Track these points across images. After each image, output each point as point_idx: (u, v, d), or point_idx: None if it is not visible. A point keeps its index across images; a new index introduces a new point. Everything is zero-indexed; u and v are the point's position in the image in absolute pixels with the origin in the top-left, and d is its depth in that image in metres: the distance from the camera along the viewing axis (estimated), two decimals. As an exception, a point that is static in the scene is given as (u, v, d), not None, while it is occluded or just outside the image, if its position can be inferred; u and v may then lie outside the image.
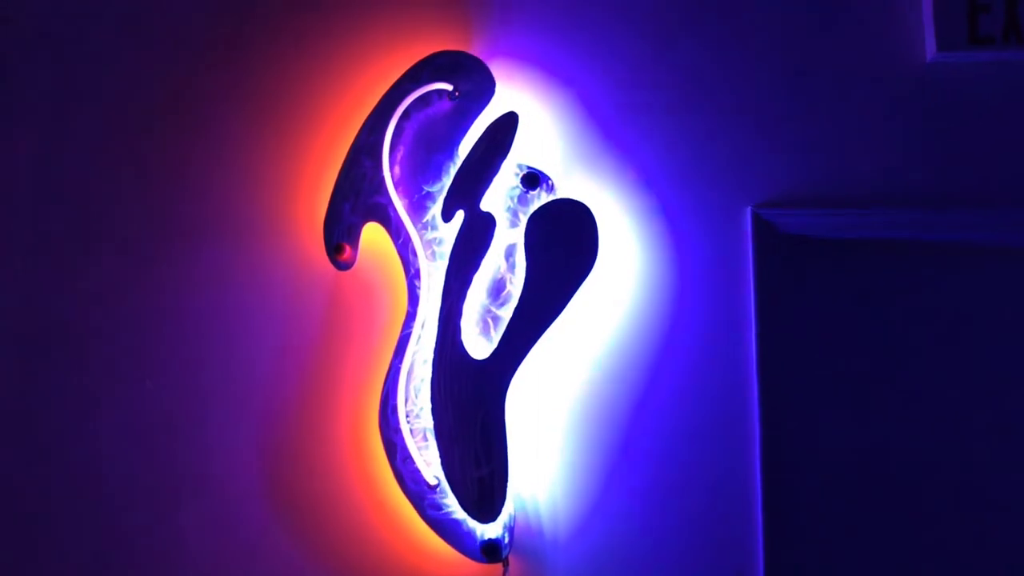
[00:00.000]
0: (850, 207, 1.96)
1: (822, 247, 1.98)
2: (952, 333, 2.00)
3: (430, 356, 1.89)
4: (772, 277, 1.93)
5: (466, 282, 1.90)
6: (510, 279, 1.92)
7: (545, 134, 2.02)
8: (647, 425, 1.92)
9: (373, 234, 1.96)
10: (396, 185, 1.95)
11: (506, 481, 1.83)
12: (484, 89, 1.97)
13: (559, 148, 2.01)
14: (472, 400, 1.86)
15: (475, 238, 1.91)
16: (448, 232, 1.93)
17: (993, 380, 1.98)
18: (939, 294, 2.01)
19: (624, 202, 1.99)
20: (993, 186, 1.95)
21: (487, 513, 1.83)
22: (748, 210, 1.96)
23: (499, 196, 1.94)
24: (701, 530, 1.89)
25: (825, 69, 2.01)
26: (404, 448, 1.88)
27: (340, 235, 1.95)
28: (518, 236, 1.92)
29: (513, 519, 1.86)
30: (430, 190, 1.95)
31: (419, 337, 1.91)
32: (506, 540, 1.84)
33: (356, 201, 1.96)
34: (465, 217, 1.91)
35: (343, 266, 1.95)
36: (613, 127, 2.02)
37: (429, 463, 1.88)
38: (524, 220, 1.93)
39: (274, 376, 1.98)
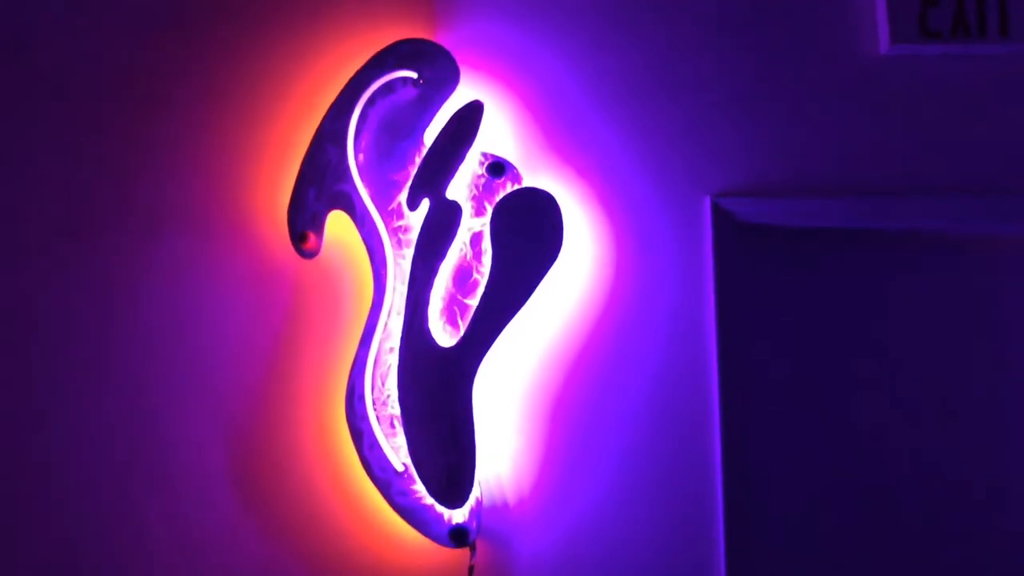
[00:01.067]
0: (806, 196, 2.01)
1: (780, 236, 2.03)
2: (905, 322, 2.06)
3: (397, 344, 1.90)
4: (731, 266, 1.97)
5: (432, 270, 1.90)
6: (476, 267, 1.93)
7: (509, 122, 2.03)
8: (610, 410, 1.96)
9: (336, 223, 1.95)
10: (361, 173, 1.95)
11: (473, 467, 1.85)
12: (448, 77, 1.97)
13: (522, 137, 2.03)
14: (439, 387, 1.87)
15: (441, 226, 1.91)
16: (414, 220, 1.93)
17: (944, 369, 2.05)
18: (893, 283, 2.07)
19: (586, 191, 2.01)
20: (943, 176, 2.01)
21: (454, 498, 1.84)
22: (707, 199, 2.00)
23: (464, 184, 1.95)
24: (664, 510, 1.93)
25: (783, 60, 2.06)
26: (371, 435, 1.88)
27: (304, 223, 1.94)
28: (483, 224, 1.94)
29: (480, 504, 1.88)
30: (395, 178, 1.95)
31: (385, 325, 1.91)
32: (474, 525, 1.86)
33: (320, 188, 1.95)
34: (431, 205, 1.92)
35: (308, 254, 1.94)
36: (575, 116, 2.04)
37: (396, 450, 1.89)
38: (489, 208, 1.94)
39: (237, 367, 1.97)
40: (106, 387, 1.96)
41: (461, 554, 1.89)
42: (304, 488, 1.94)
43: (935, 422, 2.04)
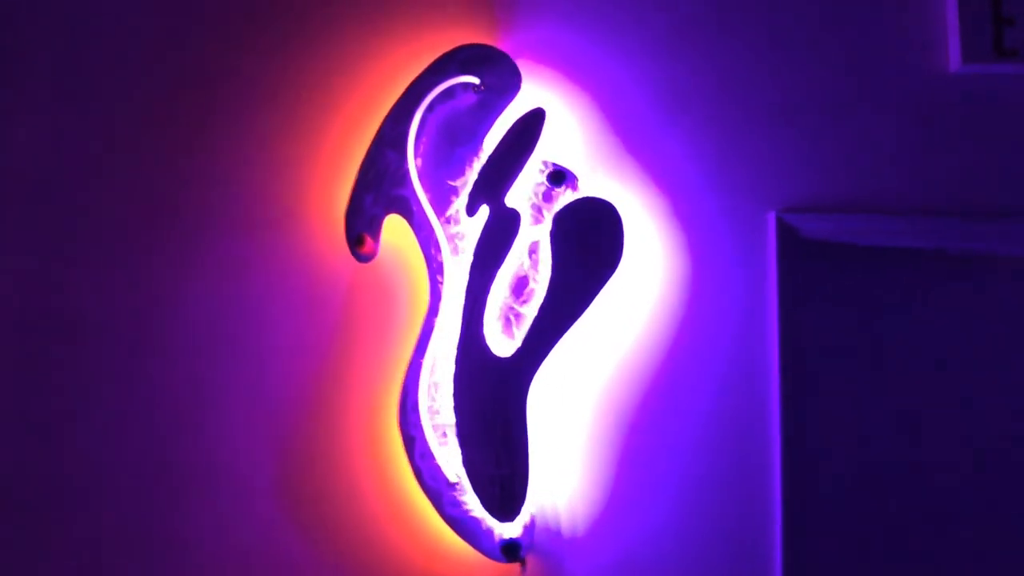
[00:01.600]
0: (872, 213, 1.96)
1: (844, 253, 1.98)
2: (969, 344, 2.01)
3: (452, 352, 1.86)
4: (795, 282, 1.93)
5: (490, 278, 1.87)
6: (533, 276, 1.90)
7: (570, 131, 2.00)
8: (668, 428, 1.91)
9: (392, 228, 1.93)
10: (420, 178, 1.93)
11: (527, 480, 1.81)
12: (509, 84, 1.95)
13: (583, 146, 2.00)
14: (494, 398, 1.84)
15: (499, 234, 1.88)
16: (471, 227, 1.90)
17: (1009, 391, 1.99)
18: (959, 305, 2.02)
19: (648, 203, 1.98)
20: (1016, 199, 1.96)
21: (507, 512, 1.80)
22: (772, 215, 1.96)
23: (523, 192, 1.92)
24: (721, 535, 1.88)
25: (850, 75, 2.01)
26: (423, 444, 1.85)
27: (361, 226, 1.91)
28: (542, 233, 1.91)
29: (533, 519, 1.84)
30: (453, 184, 1.93)
31: (441, 333, 1.88)
32: (526, 540, 1.82)
33: (379, 193, 1.93)
34: (490, 212, 1.89)
35: (364, 258, 1.92)
36: (638, 127, 2.01)
37: (448, 461, 1.85)
38: (548, 217, 1.91)
39: (287, 372, 1.94)
40: (152, 392, 1.94)
41: (511, 569, 1.85)
42: (351, 497, 1.90)
43: (997, 441, 1.98)
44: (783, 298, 1.92)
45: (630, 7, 2.04)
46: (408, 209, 1.93)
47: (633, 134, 2.01)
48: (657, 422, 1.92)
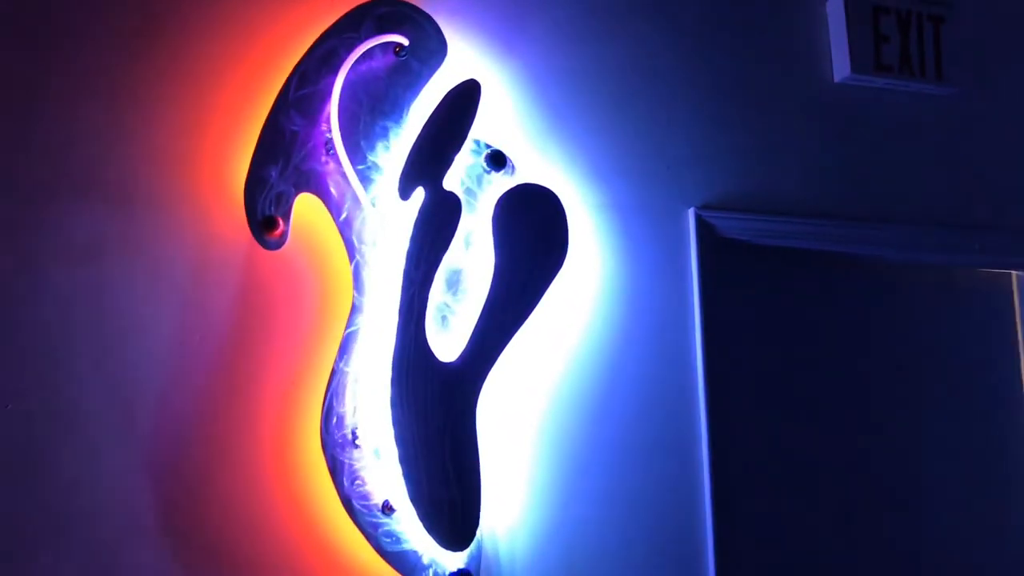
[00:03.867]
0: (774, 215, 1.99)
1: (755, 251, 1.99)
2: (856, 340, 2.11)
3: (387, 357, 1.58)
4: (713, 277, 1.90)
5: (430, 272, 1.62)
6: (467, 270, 1.68)
7: (495, 111, 1.80)
8: (598, 427, 1.77)
9: (301, 208, 1.61)
10: (335, 151, 1.62)
11: (479, 502, 1.58)
12: (435, 49, 1.70)
13: (510, 127, 1.80)
14: (440, 409, 1.59)
15: (439, 221, 1.63)
16: (403, 212, 1.63)
17: (889, 383, 2.12)
18: (849, 304, 2.12)
19: (573, 194, 1.83)
20: (893, 204, 2.10)
21: (458, 540, 1.56)
22: (692, 211, 1.91)
23: (453, 175, 1.69)
24: (653, 531, 1.79)
25: (753, 83, 2.03)
26: (352, 467, 1.55)
27: (268, 206, 1.57)
28: (477, 222, 1.69)
29: (480, 547, 1.61)
30: (377, 161, 1.65)
31: (368, 335, 1.59)
32: (474, 571, 1.60)
33: (286, 165, 1.60)
34: (427, 197, 1.63)
35: (273, 245, 1.57)
36: (564, 111, 1.86)
37: (382, 485, 1.57)
38: (479, 203, 1.70)
39: (170, 380, 1.53)
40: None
41: (449, 604, 1.61)
42: (262, 533, 1.55)
43: (890, 428, 2.10)
44: (704, 292, 1.88)
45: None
46: (323, 187, 1.61)
47: (558, 120, 1.85)
48: (588, 412, 1.77)
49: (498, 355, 1.64)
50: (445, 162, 1.65)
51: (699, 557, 1.81)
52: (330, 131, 1.62)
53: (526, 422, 1.74)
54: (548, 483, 1.73)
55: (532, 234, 1.69)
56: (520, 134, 1.81)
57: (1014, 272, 2.31)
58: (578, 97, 1.88)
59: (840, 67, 2.09)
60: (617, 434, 1.79)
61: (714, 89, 1.99)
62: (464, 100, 1.68)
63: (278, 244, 1.58)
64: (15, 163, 1.51)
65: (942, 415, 2.17)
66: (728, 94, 2.00)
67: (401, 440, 1.55)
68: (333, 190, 1.62)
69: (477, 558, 1.61)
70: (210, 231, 1.59)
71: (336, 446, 1.55)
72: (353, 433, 1.57)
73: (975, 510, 2.16)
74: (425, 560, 1.57)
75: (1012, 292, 2.32)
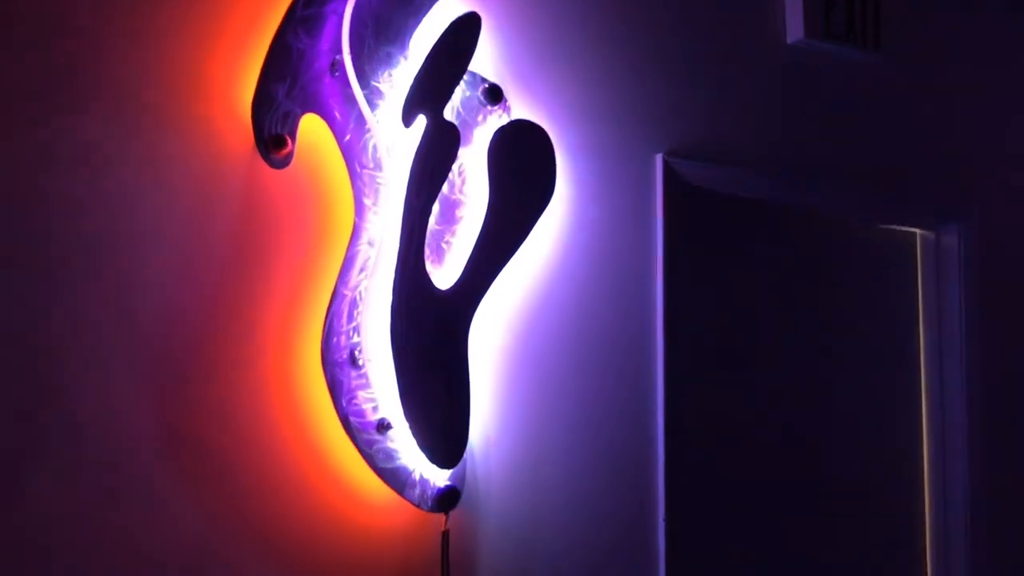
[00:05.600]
0: (729, 164, 2.12)
1: (713, 198, 2.12)
2: (790, 286, 2.28)
3: (387, 283, 1.62)
4: (675, 220, 2.01)
5: (430, 200, 1.66)
6: (462, 201, 1.72)
7: (486, 47, 1.83)
8: (564, 365, 1.88)
9: (306, 128, 1.61)
10: (342, 73, 1.62)
11: (468, 423, 1.66)
12: (439, -21, 1.72)
13: (496, 62, 1.84)
14: (436, 334, 1.64)
15: (440, 150, 1.67)
16: (400, 139, 1.66)
17: (812, 328, 2.31)
18: (788, 253, 2.29)
19: (552, 132, 1.89)
20: (828, 161, 2.28)
21: (450, 457, 1.64)
22: (660, 157, 2.01)
23: (450, 106, 1.72)
24: (612, 454, 1.92)
25: (718, 38, 2.15)
26: (351, 387, 1.59)
27: (275, 124, 1.56)
28: (471, 154, 1.73)
29: (465, 465, 1.69)
30: (377, 85, 1.66)
31: (368, 260, 1.62)
32: (460, 487, 1.68)
33: (293, 84, 1.59)
34: (428, 126, 1.66)
35: (279, 163, 1.58)
36: (546, 52, 1.91)
37: (379, 404, 1.62)
38: (477, 137, 1.74)
39: (173, 294, 1.52)
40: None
41: (433, 518, 1.69)
42: (258, 446, 1.57)
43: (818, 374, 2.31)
44: (667, 231, 2.00)
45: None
46: (328, 108, 1.62)
47: (538, 59, 1.90)
48: (554, 342, 1.87)
49: (489, 285, 1.70)
50: (447, 92, 1.68)
51: (651, 478, 1.95)
52: (338, 52, 1.62)
53: (497, 349, 1.82)
54: (517, 407, 1.82)
55: (524, 170, 1.76)
56: (505, 70, 1.85)
57: (918, 231, 2.55)
58: (560, 39, 1.93)
59: (793, 30, 2.22)
60: (581, 363, 1.90)
61: (684, 41, 2.09)
62: (466, 31, 1.71)
63: (284, 163, 1.58)
64: (21, 74, 1.44)
65: (852, 354, 2.38)
66: (695, 48, 2.11)
67: (399, 361, 1.61)
68: (337, 112, 1.62)
69: (462, 476, 1.69)
70: (215, 147, 1.56)
71: (336, 365, 1.59)
72: (352, 353, 1.61)
73: (872, 435, 2.40)
74: (415, 476, 1.64)
75: (916, 250, 2.56)
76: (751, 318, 2.23)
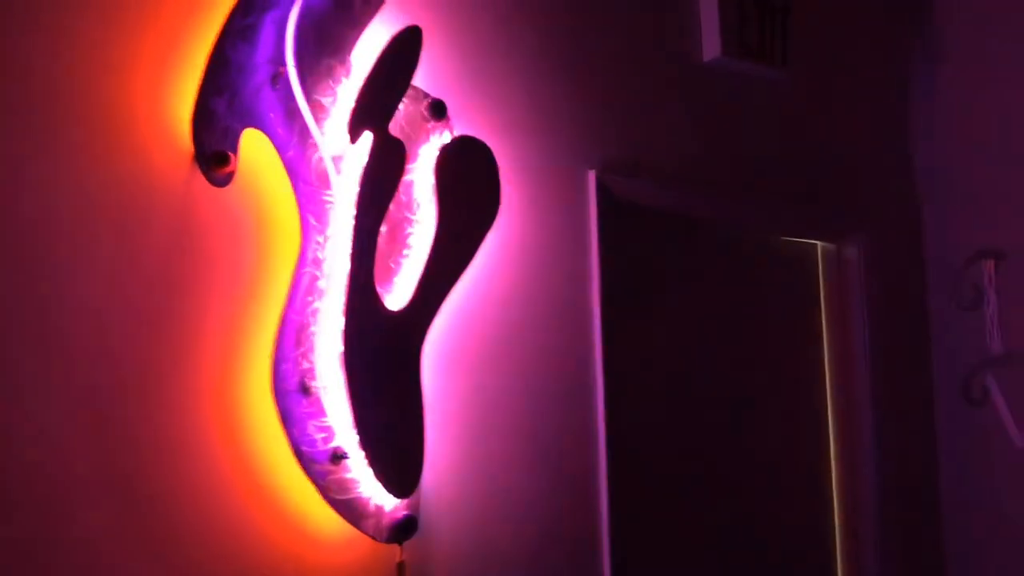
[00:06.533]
0: (654, 181, 2.15)
1: (642, 213, 2.13)
2: (708, 297, 2.33)
3: (335, 305, 1.54)
4: (608, 236, 2.02)
5: (379, 219, 1.60)
6: (409, 220, 1.67)
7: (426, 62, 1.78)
8: (506, 368, 1.84)
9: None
10: (282, 85, 1.54)
11: (423, 448, 1.60)
12: (377, -10, 1.67)
13: (434, 76, 1.80)
14: (387, 357, 1.58)
15: (387, 167, 1.61)
16: (346, 155, 1.59)
17: (730, 334, 2.36)
18: (708, 266, 2.33)
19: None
20: (740, 176, 2.34)
21: (405, 485, 1.57)
22: (592, 173, 2.01)
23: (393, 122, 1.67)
24: (555, 466, 1.90)
25: (640, 58, 2.17)
26: (303, 417, 1.51)
27: (215, 140, 1.47)
28: (417, 171, 1.68)
29: (419, 493, 1.63)
30: (321, 100, 1.58)
31: (315, 280, 1.54)
32: (415, 515, 1.61)
33: (232, 98, 1.50)
34: (374, 142, 1.60)
35: (221, 181, 1.49)
36: (482, 66, 1.88)
37: (331, 434, 1.54)
38: (420, 153, 1.69)
39: (105, 324, 1.40)
40: None
41: (386, 550, 1.62)
42: (199, 482, 1.46)
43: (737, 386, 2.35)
44: (601, 246, 2.00)
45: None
46: (270, 124, 1.53)
47: (475, 73, 1.87)
48: (494, 368, 1.83)
49: (441, 304, 1.66)
50: (392, 107, 1.63)
51: (593, 483, 1.95)
52: (280, 64, 1.53)
53: (433, 370, 1.76)
54: (456, 429, 1.77)
55: (471, 188, 1.72)
56: (441, 85, 1.81)
57: (819, 243, 2.65)
58: (491, 58, 1.91)
59: (710, 48, 2.28)
60: (520, 380, 1.87)
61: (610, 61, 2.11)
62: (408, 45, 1.66)
63: (226, 180, 1.49)
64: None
65: (763, 360, 2.45)
66: (621, 67, 2.13)
67: (352, 387, 1.53)
68: (279, 127, 1.54)
69: (416, 504, 1.63)
70: (145, 163, 1.45)
71: (285, 394, 1.50)
72: (302, 381, 1.52)
73: (784, 431, 2.48)
74: (371, 507, 1.57)
75: (817, 261, 2.66)
76: (677, 328, 2.26)
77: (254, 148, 1.53)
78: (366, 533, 1.57)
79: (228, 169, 1.47)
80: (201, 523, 1.47)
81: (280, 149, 1.54)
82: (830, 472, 2.55)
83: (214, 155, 1.46)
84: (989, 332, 2.60)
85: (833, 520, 2.54)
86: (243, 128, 1.51)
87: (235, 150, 1.49)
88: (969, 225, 2.70)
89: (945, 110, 2.76)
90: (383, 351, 1.58)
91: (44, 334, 1.36)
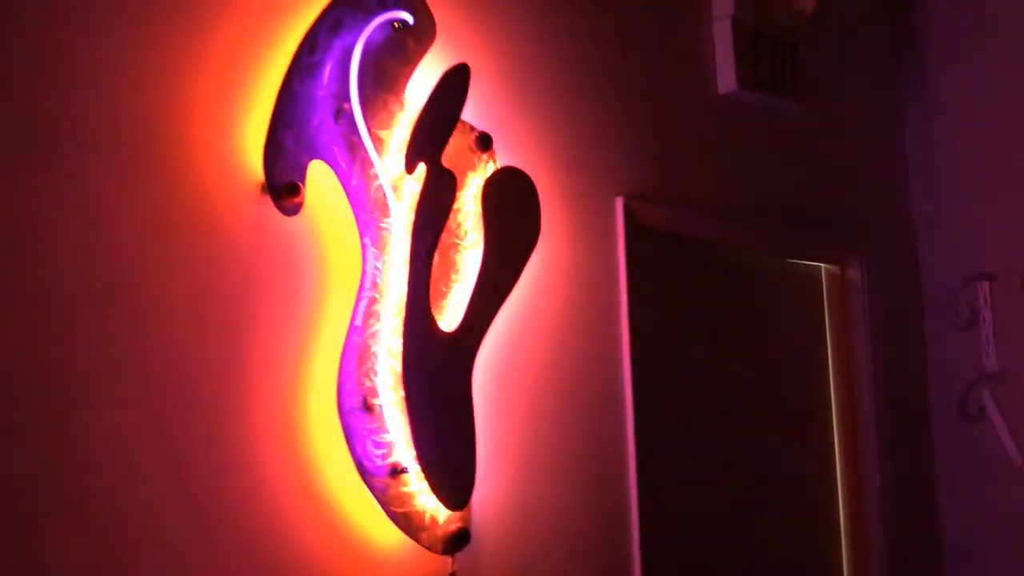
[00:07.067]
0: (676, 206, 2.26)
1: (664, 238, 2.24)
2: (728, 317, 2.44)
3: (393, 326, 1.63)
4: (635, 258, 2.13)
5: (434, 244, 1.69)
6: (458, 245, 1.76)
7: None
8: (541, 401, 1.94)
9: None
10: (349, 121, 1.63)
11: (475, 463, 1.69)
12: (428, 29, 1.76)
13: (479, 110, 1.89)
14: (442, 377, 1.67)
15: (440, 196, 1.70)
16: (402, 185, 1.68)
17: (746, 352, 2.48)
18: (728, 287, 2.45)
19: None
20: (759, 202, 2.45)
21: (460, 499, 1.66)
22: (620, 200, 2.12)
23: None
24: (589, 479, 2.00)
25: (660, 90, 2.29)
26: (364, 433, 1.59)
27: (288, 172, 1.55)
28: (462, 199, 1.78)
29: (471, 506, 1.72)
30: (378, 133, 1.67)
31: (375, 303, 1.63)
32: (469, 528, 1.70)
33: (300, 131, 1.59)
34: (428, 173, 1.69)
35: (291, 210, 1.57)
36: (516, 99, 1.98)
37: (391, 449, 1.62)
38: (467, 182, 1.78)
39: (179, 346, 1.47)
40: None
41: (437, 560, 1.70)
42: (263, 495, 1.53)
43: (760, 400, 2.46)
44: (630, 270, 2.11)
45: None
46: (334, 157, 1.62)
47: (508, 109, 1.97)
48: (535, 382, 1.93)
49: (489, 326, 1.75)
50: (444, 140, 1.73)
51: (625, 498, 2.06)
52: (344, 100, 1.63)
53: (481, 386, 1.85)
54: (503, 440, 1.86)
55: (514, 214, 1.82)
56: (482, 118, 1.91)
57: (823, 265, 2.78)
58: (528, 88, 2.01)
59: (725, 81, 2.40)
60: (557, 396, 1.97)
61: (635, 92, 2.22)
62: (456, 80, 1.75)
63: (296, 210, 1.57)
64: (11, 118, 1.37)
65: (777, 376, 2.57)
66: (644, 98, 2.24)
67: (411, 405, 1.62)
68: (342, 160, 1.63)
69: (468, 517, 1.71)
70: (214, 195, 1.52)
71: (350, 412, 1.59)
72: (365, 399, 1.61)
73: (792, 445, 2.59)
74: (427, 520, 1.66)
75: (822, 283, 2.79)
76: (697, 344, 2.37)
77: (317, 178, 1.62)
78: (422, 544, 1.65)
79: (298, 199, 1.56)
80: (265, 534, 1.54)
81: (343, 179, 1.63)
82: (836, 484, 2.68)
83: (285, 186, 1.55)
84: (985, 350, 2.74)
85: (840, 533, 2.66)
86: (310, 160, 1.60)
87: (304, 181, 1.58)
88: (964, 248, 2.85)
89: (941, 139, 2.91)
90: (438, 370, 1.67)
91: (125, 353, 1.43)
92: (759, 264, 2.57)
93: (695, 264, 2.39)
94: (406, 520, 1.63)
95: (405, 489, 1.63)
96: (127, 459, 1.42)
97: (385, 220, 1.66)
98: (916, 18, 2.99)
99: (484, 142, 1.81)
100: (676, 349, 2.31)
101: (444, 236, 1.73)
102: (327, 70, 1.63)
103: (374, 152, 1.64)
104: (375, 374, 1.62)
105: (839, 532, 2.66)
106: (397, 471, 1.62)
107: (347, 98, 1.63)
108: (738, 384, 2.46)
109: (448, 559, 1.69)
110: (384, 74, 1.70)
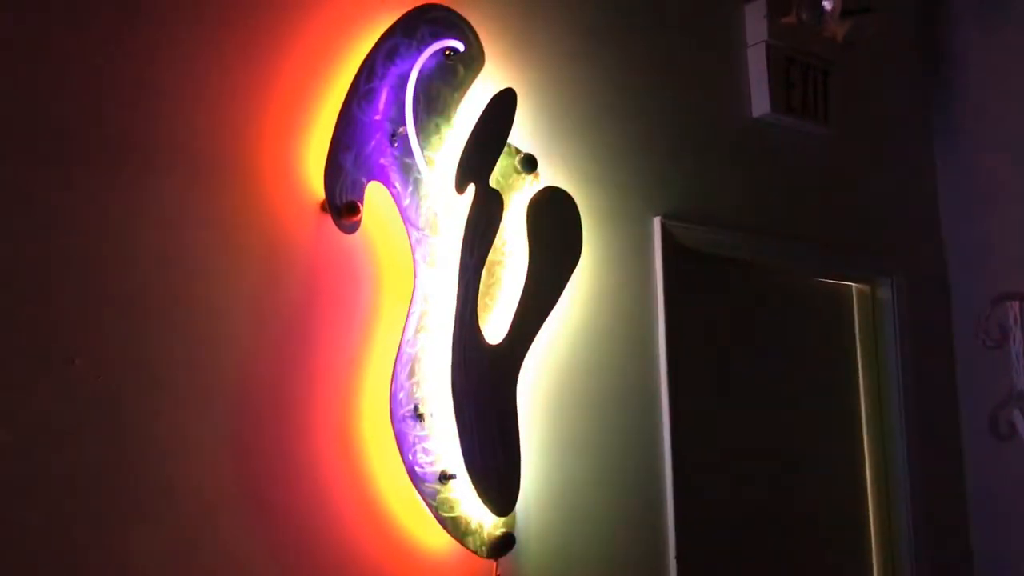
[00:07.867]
0: (710, 227, 2.33)
1: (699, 257, 2.31)
2: (762, 334, 2.50)
3: (442, 338, 1.71)
4: (672, 276, 2.20)
5: (482, 260, 1.77)
6: (502, 261, 1.84)
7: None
8: (581, 412, 2.01)
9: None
10: (402, 143, 1.72)
11: (519, 470, 1.76)
12: (477, 56, 1.86)
13: (521, 133, 1.98)
14: (489, 386, 1.75)
15: (488, 215, 1.79)
16: (454, 204, 1.77)
17: (780, 367, 2.53)
18: (762, 305, 2.51)
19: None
20: (786, 223, 2.53)
21: (505, 504, 1.74)
22: (658, 219, 2.19)
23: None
24: (628, 492, 2.06)
25: (690, 114, 2.36)
26: (415, 440, 1.67)
27: (347, 191, 1.65)
28: (507, 218, 1.86)
29: (515, 511, 1.79)
30: (430, 155, 1.76)
31: (426, 316, 1.71)
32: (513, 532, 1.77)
33: (359, 154, 1.68)
34: (477, 192, 1.78)
35: (350, 228, 1.67)
36: (559, 122, 2.06)
37: (440, 456, 1.70)
38: (511, 200, 1.87)
39: (246, 357, 1.57)
40: (74, 376, 1.41)
41: (482, 563, 1.77)
42: (319, 498, 1.62)
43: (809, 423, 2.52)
44: (667, 289, 2.17)
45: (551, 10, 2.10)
46: (389, 178, 1.71)
47: (551, 132, 2.05)
48: (574, 394, 2.00)
49: (534, 339, 1.83)
50: (492, 162, 1.81)
51: (661, 508, 2.11)
52: (400, 124, 1.72)
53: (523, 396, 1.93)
54: (542, 452, 1.93)
55: (557, 232, 1.90)
56: (525, 139, 2.00)
57: (854, 285, 2.83)
58: (571, 110, 2.10)
59: (759, 105, 2.47)
60: (597, 408, 2.04)
61: (672, 116, 2.30)
62: (503, 105, 1.85)
63: (354, 228, 1.66)
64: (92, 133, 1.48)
65: (808, 396, 2.62)
66: (681, 122, 2.32)
67: (459, 414, 1.70)
68: (397, 181, 1.72)
69: (512, 521, 1.79)
70: (278, 214, 1.64)
71: (401, 420, 1.67)
72: (416, 408, 1.69)
73: (826, 460, 2.64)
74: (473, 525, 1.73)
75: (853, 303, 2.84)
76: (733, 364, 2.43)
77: (371, 198, 1.71)
78: (468, 548, 1.72)
79: (357, 218, 1.65)
80: (322, 535, 1.63)
81: (397, 199, 1.72)
82: (867, 503, 2.71)
83: (346, 205, 1.64)
84: (1015, 369, 2.78)
85: (871, 552, 2.69)
86: (368, 181, 1.69)
87: (362, 200, 1.67)
88: (994, 268, 2.89)
89: (972, 161, 2.96)
90: (486, 381, 1.75)
91: (196, 365, 1.53)
92: (792, 283, 2.63)
93: (730, 282, 2.46)
94: (454, 524, 1.71)
95: (453, 495, 1.71)
96: (200, 462, 1.52)
97: (436, 238, 1.75)
98: (947, 44, 3.05)
99: (529, 163, 1.89)
100: (711, 365, 2.38)
101: (490, 252, 1.82)
102: (383, 96, 1.73)
103: (427, 174, 1.73)
104: (426, 384, 1.71)
105: (870, 551, 2.70)
106: (446, 477, 1.70)
107: (402, 122, 1.73)
108: (772, 400, 2.51)
109: (492, 563, 1.77)
110: (436, 99, 1.79)
